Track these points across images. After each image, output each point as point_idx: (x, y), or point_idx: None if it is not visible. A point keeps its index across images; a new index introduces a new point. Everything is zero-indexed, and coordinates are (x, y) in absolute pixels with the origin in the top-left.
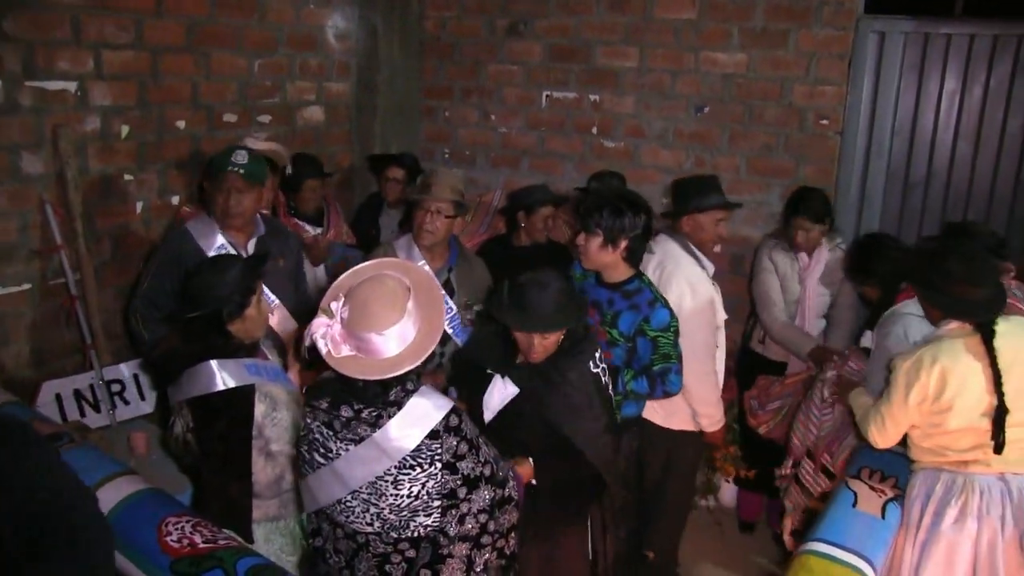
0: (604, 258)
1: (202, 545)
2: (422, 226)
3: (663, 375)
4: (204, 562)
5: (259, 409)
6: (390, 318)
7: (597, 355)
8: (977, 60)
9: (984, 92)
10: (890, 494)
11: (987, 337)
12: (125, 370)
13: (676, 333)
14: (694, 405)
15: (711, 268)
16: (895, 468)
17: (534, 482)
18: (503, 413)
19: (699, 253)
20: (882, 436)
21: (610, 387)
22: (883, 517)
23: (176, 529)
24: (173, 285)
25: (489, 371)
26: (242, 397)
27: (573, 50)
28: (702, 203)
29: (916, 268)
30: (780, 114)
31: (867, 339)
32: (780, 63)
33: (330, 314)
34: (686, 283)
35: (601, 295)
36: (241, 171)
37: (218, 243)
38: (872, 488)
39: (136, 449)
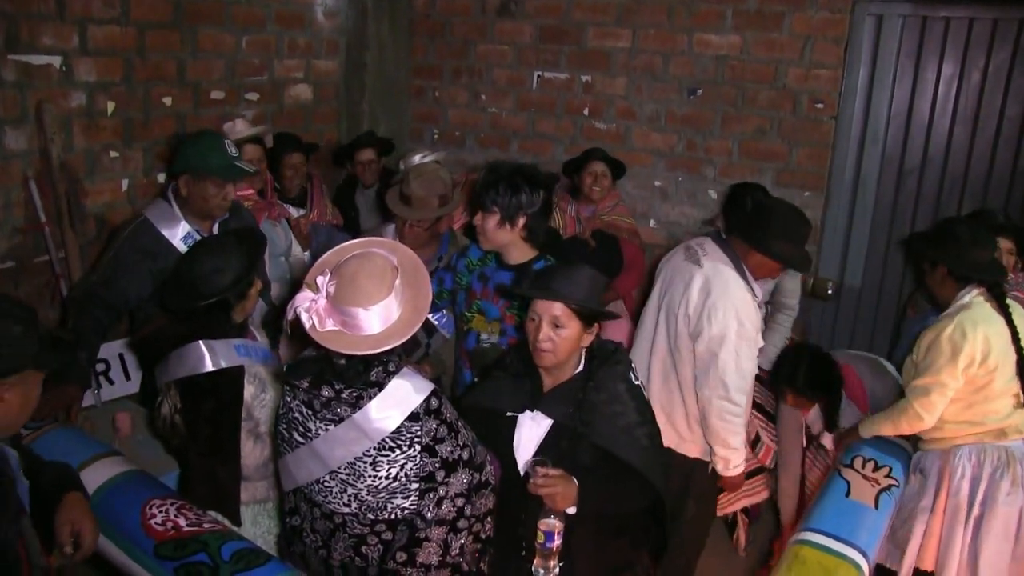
0: (502, 237)
1: (187, 528)
2: (403, 236)
3: None
4: (188, 545)
5: (248, 390)
6: (378, 294)
7: (634, 366)
8: (976, 45)
9: (983, 77)
10: (883, 484)
11: (1000, 297)
12: (110, 349)
13: None
14: (712, 444)
15: (760, 294)
16: (889, 458)
17: (571, 511)
18: (539, 452)
19: (749, 276)
20: (930, 411)
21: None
22: (876, 507)
23: (160, 512)
24: (130, 279)
25: (509, 414)
26: (231, 378)
27: (564, 30)
28: (785, 254)
29: (926, 247)
30: (774, 98)
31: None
32: (774, 46)
33: (315, 288)
34: (734, 315)
35: (505, 278)
36: (248, 168)
37: (183, 231)
38: (865, 478)
39: (121, 429)
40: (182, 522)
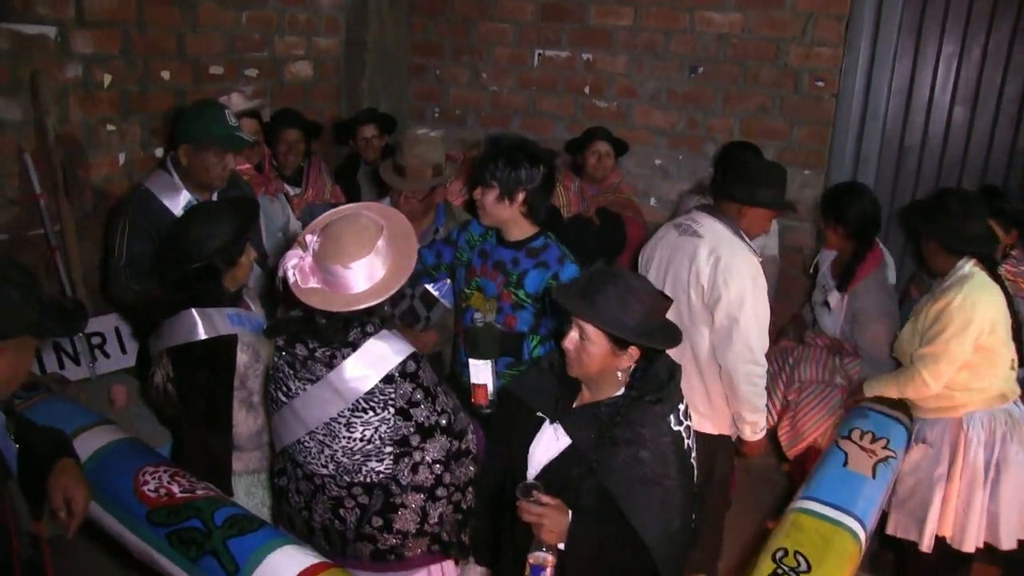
0: (502, 213)
1: (180, 495)
2: (398, 208)
3: None
4: (182, 512)
5: (242, 359)
6: (359, 253)
7: (682, 408)
8: (977, 21)
9: (983, 55)
10: (881, 455)
11: (993, 267)
12: (106, 322)
13: None
14: (740, 410)
15: (758, 253)
16: (886, 430)
17: (561, 546)
18: (548, 470)
19: (746, 237)
20: (938, 379)
21: (693, 453)
22: (874, 477)
23: (153, 479)
24: (144, 243)
25: (539, 414)
26: (224, 347)
27: (566, 8)
28: (770, 199)
29: (920, 219)
30: (775, 75)
31: (833, 299)
32: (776, 24)
33: (304, 247)
34: (748, 277)
35: (505, 255)
36: (242, 135)
37: (184, 201)
38: (863, 449)
39: (116, 402)
40: (175, 489)
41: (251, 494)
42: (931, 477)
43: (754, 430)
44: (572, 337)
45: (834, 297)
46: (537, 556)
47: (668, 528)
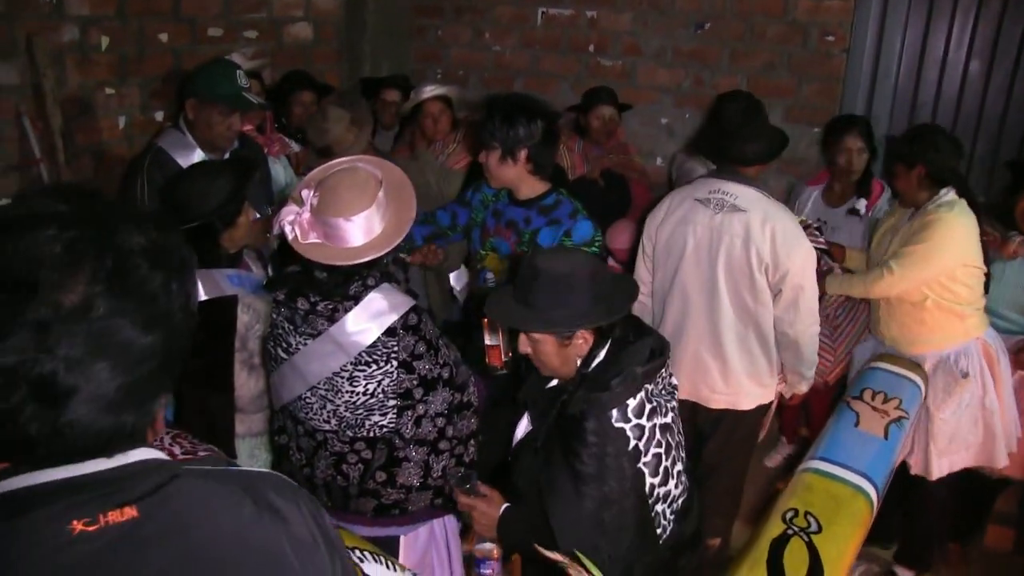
0: (507, 173)
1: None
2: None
3: None
4: None
5: (242, 320)
6: (359, 204)
7: (633, 404)
8: None
9: (1003, 5)
10: (893, 415)
11: (972, 199)
12: None
13: (601, 249)
14: (801, 369)
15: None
16: (898, 390)
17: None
18: (515, 453)
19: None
20: (904, 277)
21: (644, 458)
22: (886, 438)
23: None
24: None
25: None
26: (224, 308)
27: None
28: (779, 147)
29: (909, 147)
30: (783, 31)
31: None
32: None
33: (300, 202)
34: (804, 240)
35: (517, 214)
36: (249, 96)
37: (197, 159)
38: (875, 409)
39: None
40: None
41: (255, 456)
42: (982, 405)
43: (808, 383)
44: (523, 342)
45: (862, 204)
46: (480, 548)
47: (578, 533)
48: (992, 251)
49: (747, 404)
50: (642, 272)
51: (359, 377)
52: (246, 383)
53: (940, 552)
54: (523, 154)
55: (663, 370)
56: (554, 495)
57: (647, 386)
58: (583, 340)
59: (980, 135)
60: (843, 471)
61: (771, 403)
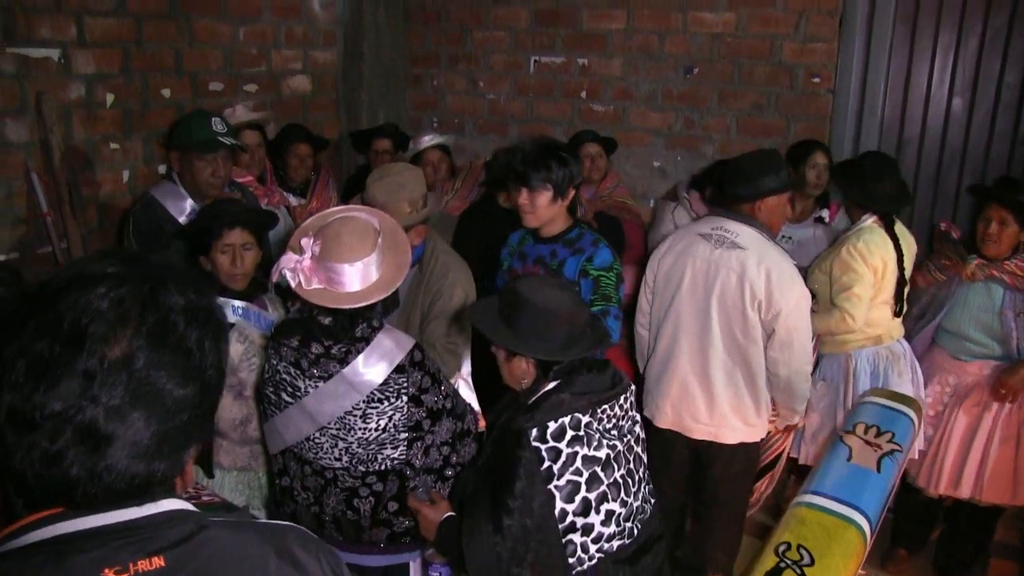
0: (553, 211)
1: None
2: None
3: (601, 317)
4: None
5: (236, 348)
6: (362, 250)
7: (554, 426)
8: (973, 10)
9: (980, 44)
10: (886, 449)
11: (889, 225)
12: None
13: (618, 277)
14: (794, 405)
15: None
16: (891, 423)
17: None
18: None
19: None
20: (856, 317)
21: (556, 481)
22: (879, 471)
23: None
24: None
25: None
26: None
27: (559, 13)
28: (777, 183)
29: (839, 177)
30: (770, 73)
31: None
32: (769, 21)
33: (299, 250)
34: (798, 281)
35: (543, 251)
36: (226, 141)
37: (188, 209)
38: (867, 443)
39: None
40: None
41: (238, 491)
42: (833, 408)
43: (800, 416)
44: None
45: (825, 212)
46: (431, 552)
47: (481, 551)
48: (955, 276)
49: (730, 438)
50: (643, 303)
51: (372, 414)
52: (229, 407)
53: None
54: (572, 193)
55: (613, 407)
56: (469, 501)
57: (579, 416)
58: (527, 364)
59: (966, 168)
60: (836, 504)
61: (761, 440)
